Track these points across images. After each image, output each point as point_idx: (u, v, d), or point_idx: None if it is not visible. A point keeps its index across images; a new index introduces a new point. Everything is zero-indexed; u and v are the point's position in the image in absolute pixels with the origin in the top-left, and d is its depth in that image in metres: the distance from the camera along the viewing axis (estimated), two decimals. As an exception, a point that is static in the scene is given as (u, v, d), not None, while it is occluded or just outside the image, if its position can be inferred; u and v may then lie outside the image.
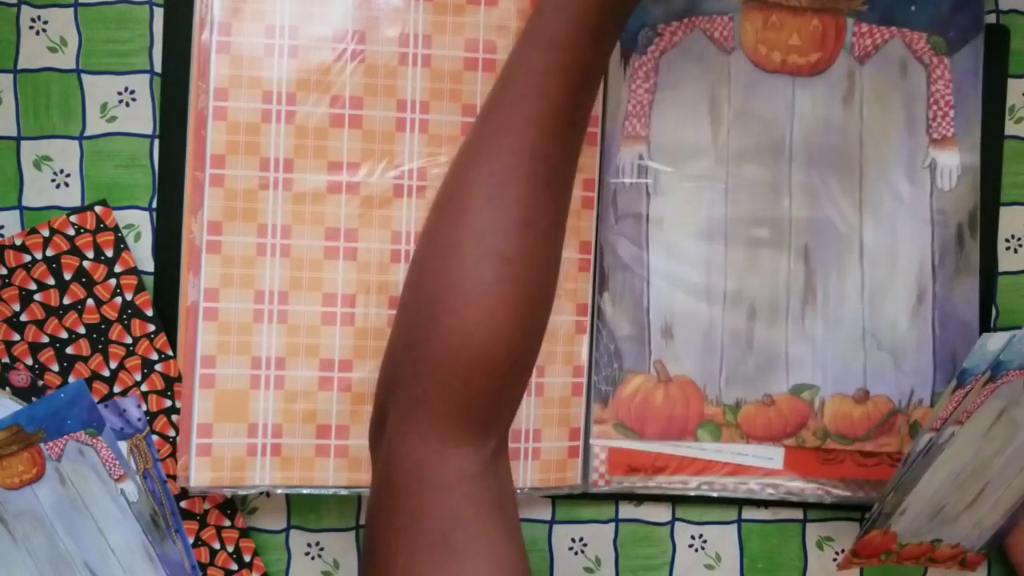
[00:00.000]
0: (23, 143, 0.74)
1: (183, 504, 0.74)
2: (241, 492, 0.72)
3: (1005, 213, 0.80)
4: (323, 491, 0.72)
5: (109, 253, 0.73)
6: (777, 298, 0.77)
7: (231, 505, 0.75)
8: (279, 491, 0.72)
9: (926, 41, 0.77)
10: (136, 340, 0.73)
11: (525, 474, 0.74)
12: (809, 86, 0.77)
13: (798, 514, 0.80)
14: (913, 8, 0.77)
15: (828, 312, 0.77)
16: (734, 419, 0.77)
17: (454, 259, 0.61)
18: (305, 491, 0.72)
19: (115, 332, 0.73)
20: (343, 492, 0.73)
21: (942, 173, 0.78)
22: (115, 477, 0.73)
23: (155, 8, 0.74)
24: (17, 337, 0.72)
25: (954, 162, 0.78)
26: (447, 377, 0.60)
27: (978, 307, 0.78)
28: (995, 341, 0.69)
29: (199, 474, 0.71)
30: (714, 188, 0.77)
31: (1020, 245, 0.81)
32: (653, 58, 0.76)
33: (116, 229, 0.73)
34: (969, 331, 0.78)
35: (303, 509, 0.76)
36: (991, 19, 0.80)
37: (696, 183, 0.77)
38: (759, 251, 0.77)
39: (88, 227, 0.73)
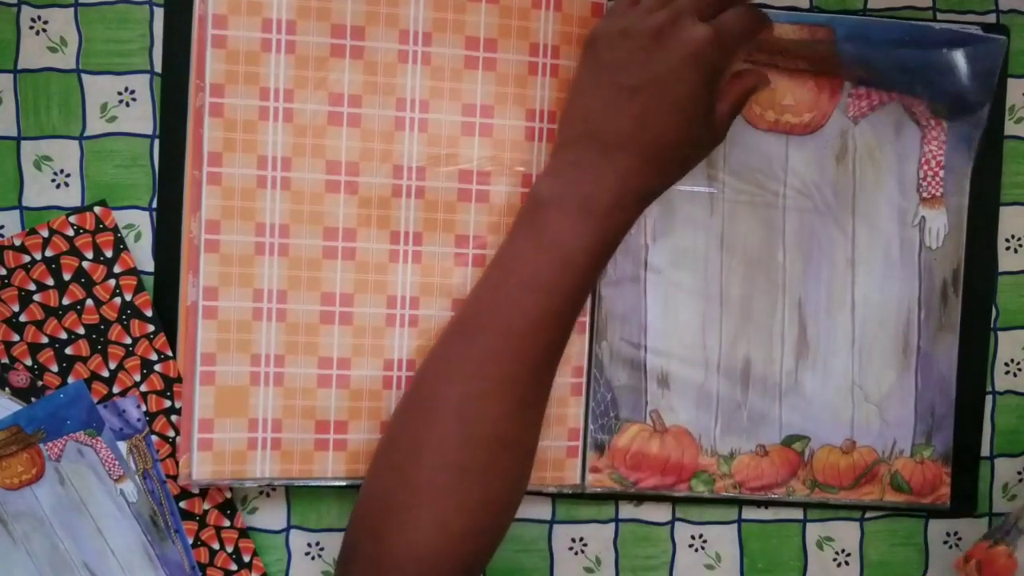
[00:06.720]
0: (23, 143, 0.74)
1: (182, 504, 0.74)
2: (242, 484, 0.72)
3: (1005, 213, 0.80)
4: (322, 483, 0.73)
5: (108, 253, 0.73)
6: (771, 350, 0.78)
7: (231, 505, 0.75)
8: (279, 483, 0.72)
9: (926, 107, 0.78)
10: (135, 340, 0.73)
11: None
12: (802, 144, 0.78)
13: (798, 514, 0.80)
14: (919, 88, 0.77)
15: (820, 364, 0.79)
16: (728, 469, 0.78)
17: (415, 463, 0.64)
18: (303, 483, 0.72)
19: (114, 332, 0.73)
20: (342, 483, 0.73)
21: (930, 232, 0.79)
22: (114, 477, 0.73)
23: (155, 8, 0.74)
24: (16, 337, 0.72)
25: (941, 221, 0.79)
26: (397, 569, 0.63)
27: (956, 363, 0.79)
28: None
29: (200, 468, 0.71)
30: (710, 240, 0.77)
31: (1020, 245, 0.81)
32: None
33: (115, 229, 0.73)
34: (947, 386, 0.80)
35: (303, 509, 0.76)
36: (991, 19, 0.80)
37: (693, 235, 0.77)
38: (754, 303, 0.78)
39: (87, 227, 0.73)
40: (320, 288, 0.72)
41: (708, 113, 0.67)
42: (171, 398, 0.74)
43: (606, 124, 0.66)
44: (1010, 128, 0.80)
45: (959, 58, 0.76)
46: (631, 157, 0.65)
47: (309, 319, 0.72)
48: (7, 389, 0.72)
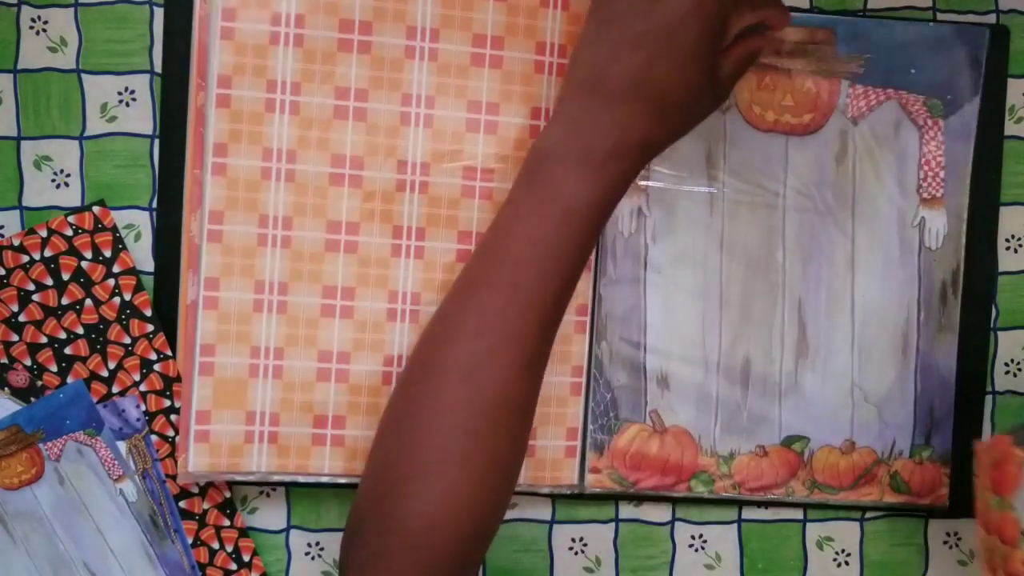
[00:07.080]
0: (23, 143, 0.74)
1: (182, 504, 0.74)
2: (238, 478, 0.72)
3: (1005, 213, 0.81)
4: (319, 479, 0.72)
5: (107, 253, 0.73)
6: (771, 350, 0.78)
7: (230, 505, 0.74)
8: (275, 478, 0.72)
9: (923, 104, 0.78)
10: (135, 340, 0.73)
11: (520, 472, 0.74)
12: (802, 144, 0.78)
13: (798, 514, 0.80)
14: (913, 71, 0.77)
15: (820, 365, 0.79)
16: (728, 469, 0.78)
17: (421, 429, 0.63)
18: (301, 479, 0.72)
19: (114, 332, 0.73)
20: (339, 480, 0.73)
21: (930, 232, 0.79)
22: (114, 477, 0.73)
23: (155, 8, 0.74)
24: (16, 337, 0.72)
25: (941, 221, 0.79)
26: (409, 539, 0.62)
27: (955, 364, 0.80)
28: None
29: (197, 460, 0.71)
30: (710, 240, 0.78)
31: (1020, 245, 0.81)
32: None
33: (114, 229, 0.73)
34: (947, 387, 0.80)
35: (303, 509, 0.76)
36: (991, 19, 0.80)
37: (693, 235, 0.77)
38: (754, 303, 0.78)
39: (86, 227, 0.73)
40: (321, 281, 0.71)
41: (712, 68, 0.66)
42: (170, 398, 0.74)
43: (609, 73, 0.65)
44: (1010, 128, 0.80)
45: (950, 34, 0.77)
46: (632, 106, 0.65)
47: (310, 312, 0.71)
48: (7, 389, 0.72)
